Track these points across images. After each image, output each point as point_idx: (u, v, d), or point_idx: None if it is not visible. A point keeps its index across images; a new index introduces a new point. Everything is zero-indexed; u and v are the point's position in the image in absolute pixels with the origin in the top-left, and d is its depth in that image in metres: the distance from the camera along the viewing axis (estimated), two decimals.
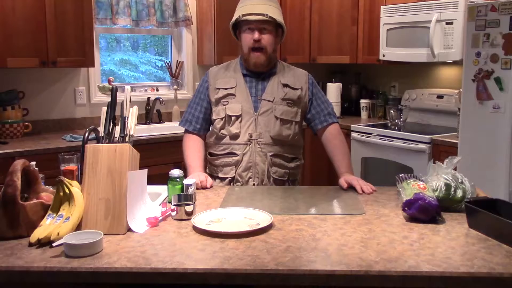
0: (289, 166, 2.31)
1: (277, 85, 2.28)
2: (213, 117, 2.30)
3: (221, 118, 2.27)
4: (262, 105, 2.26)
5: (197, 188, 2.09)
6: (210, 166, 2.36)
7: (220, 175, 2.30)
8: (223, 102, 2.27)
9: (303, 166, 2.45)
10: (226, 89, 2.28)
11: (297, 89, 2.30)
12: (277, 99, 2.26)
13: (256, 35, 2.20)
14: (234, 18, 2.25)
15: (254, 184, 2.24)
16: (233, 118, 2.25)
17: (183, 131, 2.42)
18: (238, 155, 2.25)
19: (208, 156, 2.37)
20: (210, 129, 2.36)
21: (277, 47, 2.30)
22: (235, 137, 2.25)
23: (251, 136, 2.24)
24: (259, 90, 2.29)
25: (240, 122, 2.25)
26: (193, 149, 2.32)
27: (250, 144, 2.24)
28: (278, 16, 2.22)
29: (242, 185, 2.25)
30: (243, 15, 2.20)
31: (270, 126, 2.25)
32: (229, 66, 2.36)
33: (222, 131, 2.27)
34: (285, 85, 2.29)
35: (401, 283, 1.31)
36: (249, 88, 2.29)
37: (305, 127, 2.42)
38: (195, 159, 2.29)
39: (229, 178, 2.27)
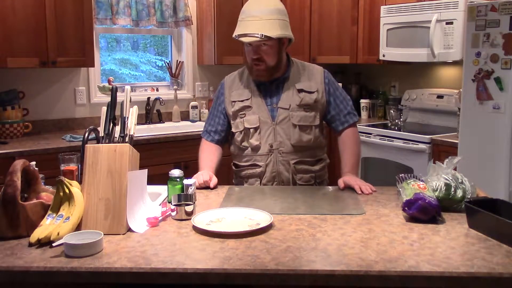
0: (314, 170, 2.27)
1: (292, 91, 2.22)
2: (233, 129, 2.29)
3: (240, 131, 2.25)
4: (279, 113, 2.22)
5: (200, 188, 2.09)
6: (236, 177, 2.36)
7: (246, 185, 2.28)
8: (240, 115, 2.24)
9: (329, 165, 2.39)
10: (242, 101, 2.24)
11: (313, 92, 2.24)
12: (293, 106, 2.21)
13: (253, 55, 2.14)
14: (234, 33, 2.17)
15: None
16: (251, 130, 2.22)
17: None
18: (261, 166, 2.23)
19: (233, 167, 2.36)
20: (232, 139, 2.33)
21: (282, 55, 2.21)
22: (256, 149, 2.23)
23: (271, 146, 2.21)
24: (274, 99, 2.24)
25: (259, 133, 2.22)
26: (207, 152, 2.32)
27: (271, 154, 2.22)
28: (277, 31, 2.10)
29: None
30: (238, 35, 2.13)
31: (289, 134, 2.21)
32: (243, 74, 2.31)
33: (243, 143, 2.25)
34: (300, 90, 2.23)
35: (401, 283, 1.31)
36: (264, 97, 2.24)
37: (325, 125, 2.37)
38: (207, 161, 2.27)
39: None
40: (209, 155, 2.31)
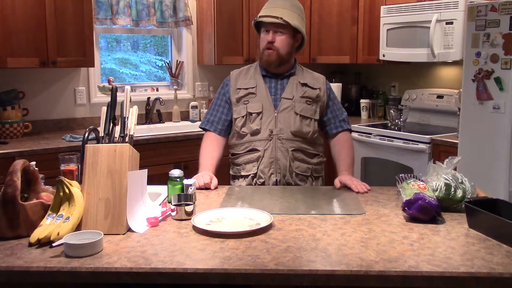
0: (312, 162, 2.32)
1: (296, 84, 2.32)
2: (234, 116, 2.33)
3: (242, 116, 2.30)
4: (282, 103, 2.29)
5: (200, 188, 2.09)
6: (233, 166, 2.38)
7: (242, 173, 2.31)
8: (244, 101, 2.31)
9: (325, 164, 2.43)
10: (246, 89, 2.32)
11: (315, 88, 2.33)
12: (297, 97, 2.30)
13: (270, 37, 2.25)
14: (256, 16, 2.31)
15: (276, 180, 2.25)
16: (253, 115, 2.28)
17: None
18: (259, 151, 2.27)
19: (231, 156, 2.39)
20: (232, 130, 2.36)
21: (293, 51, 2.32)
22: (255, 133, 2.27)
23: (271, 132, 2.26)
24: (279, 90, 2.32)
25: (261, 119, 2.28)
26: (209, 148, 2.33)
27: (271, 139, 2.26)
28: (295, 21, 2.24)
29: (264, 181, 2.26)
30: (260, 17, 2.27)
31: (290, 122, 2.27)
32: (250, 68, 2.41)
33: (243, 129, 2.29)
34: (304, 84, 2.32)
35: (401, 283, 1.31)
36: (268, 88, 2.32)
37: None
38: (208, 158, 2.30)
39: (252, 175, 2.28)
40: (211, 151, 2.32)
